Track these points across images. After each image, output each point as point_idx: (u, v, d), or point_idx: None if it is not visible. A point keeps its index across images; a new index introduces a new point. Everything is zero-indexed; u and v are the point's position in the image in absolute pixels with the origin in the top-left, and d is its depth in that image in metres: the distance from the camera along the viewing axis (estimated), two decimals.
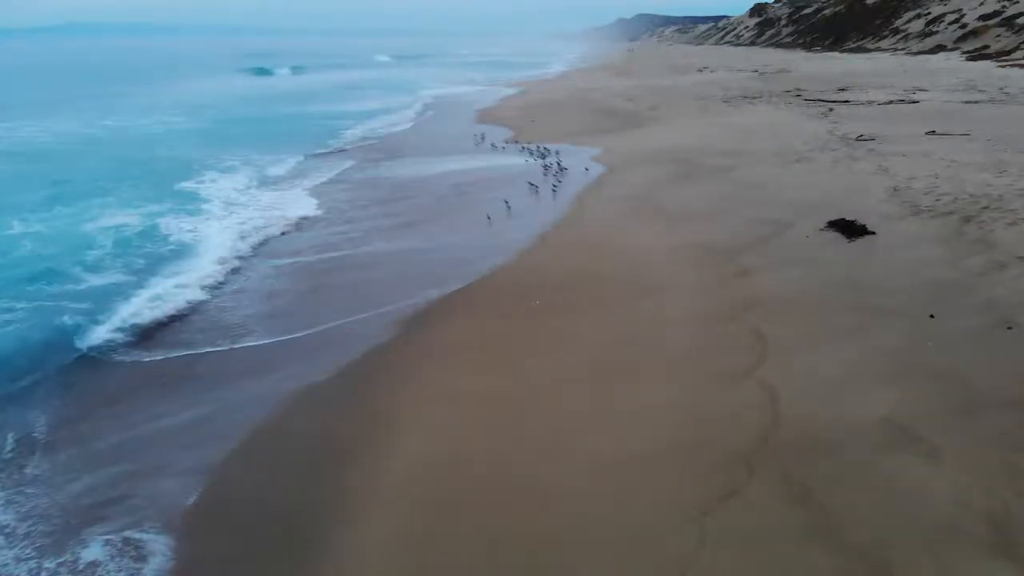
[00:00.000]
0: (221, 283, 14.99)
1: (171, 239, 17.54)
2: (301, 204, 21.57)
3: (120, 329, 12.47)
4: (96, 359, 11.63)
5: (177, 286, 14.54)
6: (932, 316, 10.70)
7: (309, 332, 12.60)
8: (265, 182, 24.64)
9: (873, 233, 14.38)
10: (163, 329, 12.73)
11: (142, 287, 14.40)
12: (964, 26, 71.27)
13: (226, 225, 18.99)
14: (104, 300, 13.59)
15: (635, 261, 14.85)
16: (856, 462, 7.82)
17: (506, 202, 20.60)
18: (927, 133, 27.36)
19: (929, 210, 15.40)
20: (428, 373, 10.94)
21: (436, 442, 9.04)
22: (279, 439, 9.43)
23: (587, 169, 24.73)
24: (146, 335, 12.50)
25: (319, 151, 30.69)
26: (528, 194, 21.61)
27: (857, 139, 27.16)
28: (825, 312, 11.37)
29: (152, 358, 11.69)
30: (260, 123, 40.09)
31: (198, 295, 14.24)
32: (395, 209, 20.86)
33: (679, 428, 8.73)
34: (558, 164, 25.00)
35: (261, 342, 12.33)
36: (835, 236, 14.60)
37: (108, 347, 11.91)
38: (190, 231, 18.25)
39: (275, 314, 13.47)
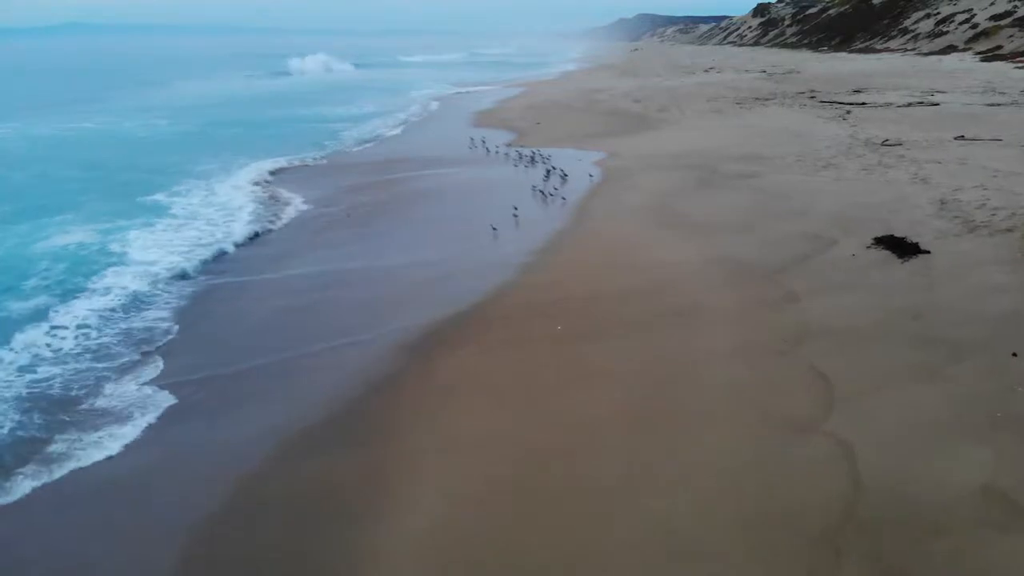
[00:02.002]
0: (187, 304, 13.62)
1: (129, 259, 15.79)
2: (285, 215, 19.95)
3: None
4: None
5: (139, 308, 13.27)
6: (1015, 354, 9.38)
7: (298, 363, 11.28)
8: (246, 191, 22.62)
9: (927, 252, 13.05)
10: (114, 359, 11.31)
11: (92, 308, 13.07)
12: (975, 26, 69.94)
13: (195, 239, 17.34)
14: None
15: (664, 279, 13.52)
16: (963, 545, 6.50)
17: (514, 210, 19.32)
18: (956, 138, 26.06)
19: (986, 226, 14.07)
20: (442, 413, 9.62)
21: (457, 503, 7.69)
22: (267, 499, 8.08)
23: (599, 175, 23.40)
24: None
25: (310, 157, 28.75)
26: (537, 202, 20.30)
27: (883, 144, 25.88)
28: (890, 346, 10.04)
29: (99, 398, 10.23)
30: (251, 126, 38.10)
31: (160, 318, 12.92)
32: (390, 219, 19.51)
33: (741, 495, 7.39)
34: (560, 170, 23.48)
35: (239, 370, 11.03)
36: (885, 255, 13.27)
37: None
38: (152, 249, 16.49)
39: (256, 340, 12.17)
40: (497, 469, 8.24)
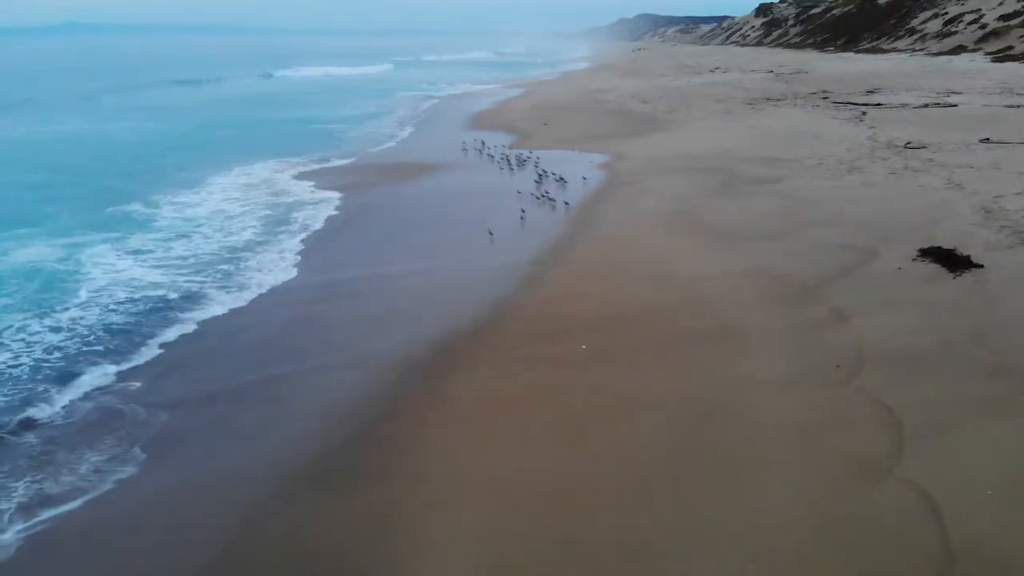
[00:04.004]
0: (179, 317, 12.56)
1: (95, 279, 14.25)
2: (280, 223, 18.54)
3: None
4: None
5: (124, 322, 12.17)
6: None
7: (300, 382, 10.31)
8: (231, 201, 21.04)
9: (980, 266, 12.07)
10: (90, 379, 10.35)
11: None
12: (984, 26, 68.97)
13: (173, 255, 15.88)
14: None
15: (695, 293, 12.52)
16: None
17: (521, 213, 18.42)
18: (981, 141, 25.12)
19: None
20: (460, 447, 8.63)
21: (484, 567, 6.68)
22: (266, 554, 7.09)
23: (610, 178, 22.42)
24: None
25: (305, 163, 27.04)
26: (549, 208, 19.28)
27: (905, 147, 24.92)
28: (956, 375, 9.06)
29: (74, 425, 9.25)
30: (245, 128, 36.65)
31: (148, 334, 11.87)
32: (394, 226, 18.44)
33: (814, 560, 6.39)
34: (568, 173, 22.46)
35: (236, 389, 10.05)
36: (934, 269, 12.28)
37: None
38: (119, 269, 14.94)
39: (256, 356, 11.20)
40: (527, 520, 7.23)
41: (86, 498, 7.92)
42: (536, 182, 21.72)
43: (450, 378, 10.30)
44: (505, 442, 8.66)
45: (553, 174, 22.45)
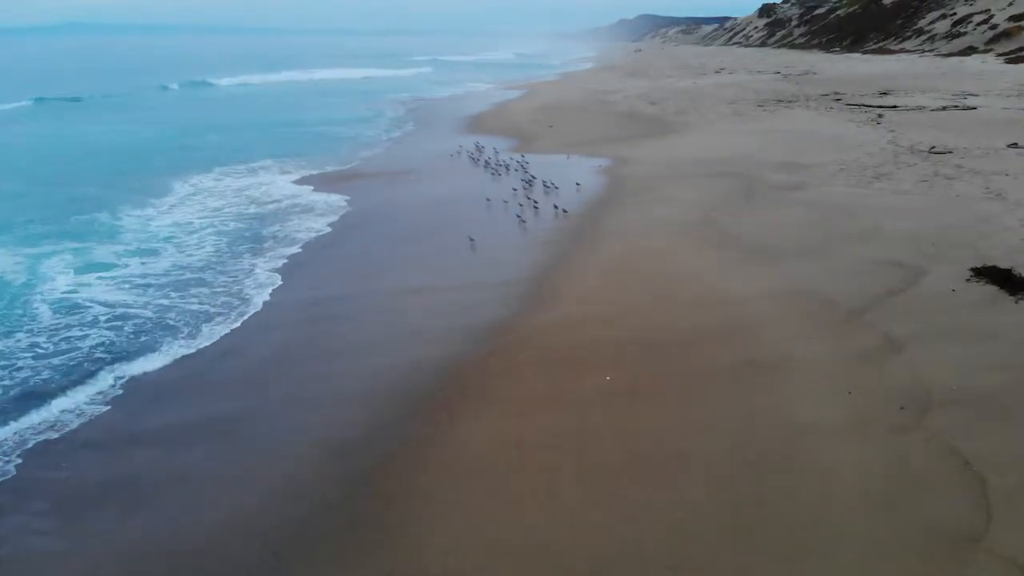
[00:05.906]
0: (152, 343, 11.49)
1: (62, 297, 13.21)
2: (260, 235, 17.24)
3: None
4: None
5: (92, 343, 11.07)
6: None
7: (282, 426, 9.23)
8: (212, 209, 19.76)
9: None
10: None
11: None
12: (994, 27, 67.93)
13: (140, 272, 14.63)
14: None
15: (728, 316, 11.43)
16: None
17: (520, 218, 17.34)
18: (1009, 146, 24.06)
19: None
20: (470, 506, 7.56)
21: None
22: None
23: (624, 184, 21.33)
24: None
25: (305, 167, 25.86)
26: (556, 216, 18.19)
27: (930, 151, 23.85)
28: None
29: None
30: (237, 130, 35.43)
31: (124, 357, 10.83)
32: (390, 237, 17.37)
33: None
34: (577, 178, 21.51)
35: (208, 428, 9.00)
36: (991, 291, 11.20)
37: None
38: (84, 285, 13.88)
39: (239, 387, 10.13)
40: None
41: (31, 563, 6.87)
42: (531, 185, 20.76)
43: (458, 417, 9.23)
44: (527, 501, 7.57)
45: (554, 183, 21.33)
